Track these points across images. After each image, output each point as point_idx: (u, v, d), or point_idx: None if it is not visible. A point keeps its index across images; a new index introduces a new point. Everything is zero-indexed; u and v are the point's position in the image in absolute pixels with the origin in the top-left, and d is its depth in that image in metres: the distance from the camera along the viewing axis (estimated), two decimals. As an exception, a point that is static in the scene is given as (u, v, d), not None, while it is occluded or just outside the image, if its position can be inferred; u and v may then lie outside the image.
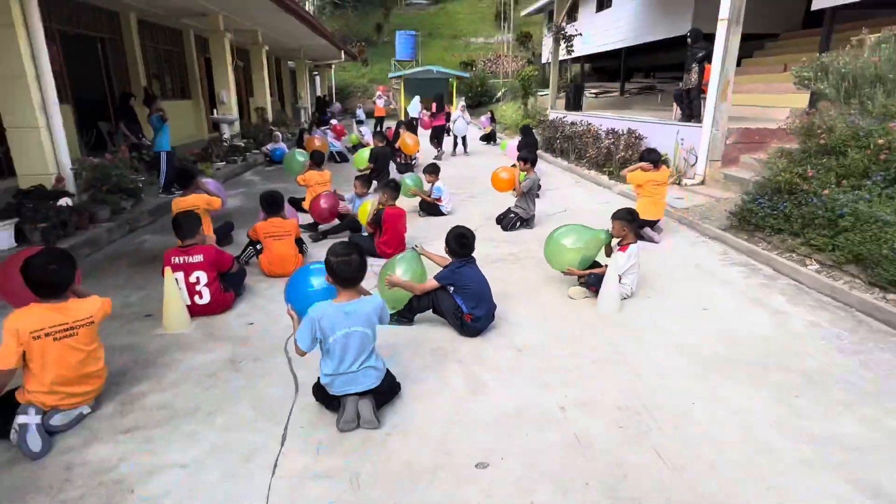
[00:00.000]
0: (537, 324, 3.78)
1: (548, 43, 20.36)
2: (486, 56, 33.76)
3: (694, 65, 8.57)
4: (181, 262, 3.78)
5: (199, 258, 3.82)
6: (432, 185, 6.90)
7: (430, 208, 6.85)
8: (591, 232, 4.21)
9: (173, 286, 3.64)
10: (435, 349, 3.39)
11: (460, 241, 3.50)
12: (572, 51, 15.04)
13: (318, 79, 28.57)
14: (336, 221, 6.00)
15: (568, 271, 4.16)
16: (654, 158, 6.02)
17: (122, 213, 6.52)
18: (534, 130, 16.58)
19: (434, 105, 13.17)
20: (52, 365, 2.46)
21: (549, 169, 11.19)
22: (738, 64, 8.20)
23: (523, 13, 27.09)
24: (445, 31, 38.43)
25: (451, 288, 3.49)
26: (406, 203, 6.58)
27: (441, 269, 3.66)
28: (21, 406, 2.45)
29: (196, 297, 3.82)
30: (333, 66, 30.60)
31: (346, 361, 2.50)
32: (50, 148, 6.07)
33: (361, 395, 2.54)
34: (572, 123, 12.40)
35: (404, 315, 3.69)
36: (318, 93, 27.98)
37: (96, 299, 2.66)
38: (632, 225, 4.14)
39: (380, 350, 2.75)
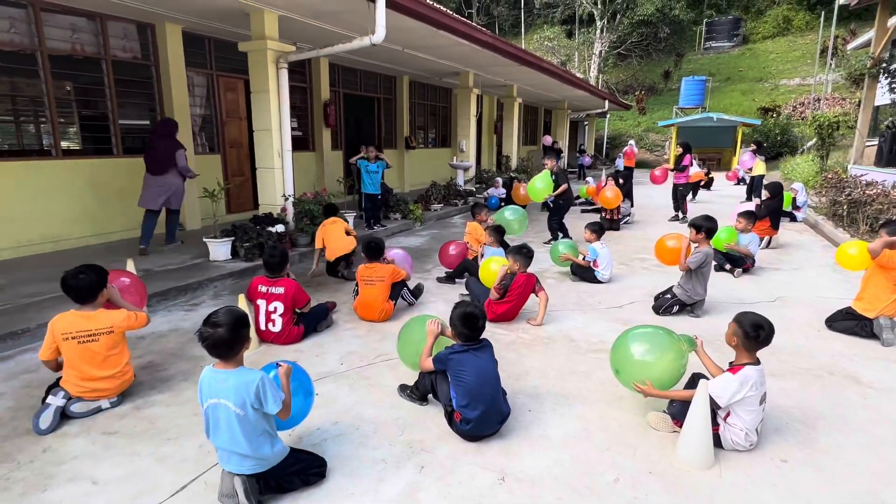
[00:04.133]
0: (563, 448, 2.79)
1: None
2: (797, 100, 28.17)
3: None
4: (265, 291, 4.19)
5: (280, 290, 4.17)
6: (590, 244, 5.99)
7: (583, 272, 5.94)
8: (672, 338, 2.93)
9: (246, 312, 4.03)
10: (409, 441, 2.84)
11: (469, 323, 2.87)
12: (898, 87, 11.16)
13: (587, 128, 28.63)
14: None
15: (640, 389, 2.95)
16: None
17: (322, 241, 7.71)
18: (811, 191, 12.94)
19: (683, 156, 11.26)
20: (76, 362, 3.01)
21: (810, 242, 8.45)
22: None
23: (850, 46, 21.62)
24: (750, 73, 33.67)
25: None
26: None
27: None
28: (56, 388, 3.05)
29: (270, 325, 4.16)
30: (608, 116, 30.25)
31: (217, 437, 2.26)
32: (281, 185, 7.64)
33: (238, 473, 2.28)
34: (869, 184, 9.13)
35: (413, 391, 3.24)
36: (584, 142, 28.00)
37: (122, 312, 3.14)
38: (748, 342, 2.70)
39: (278, 436, 2.38)
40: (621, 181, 10.10)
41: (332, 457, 2.68)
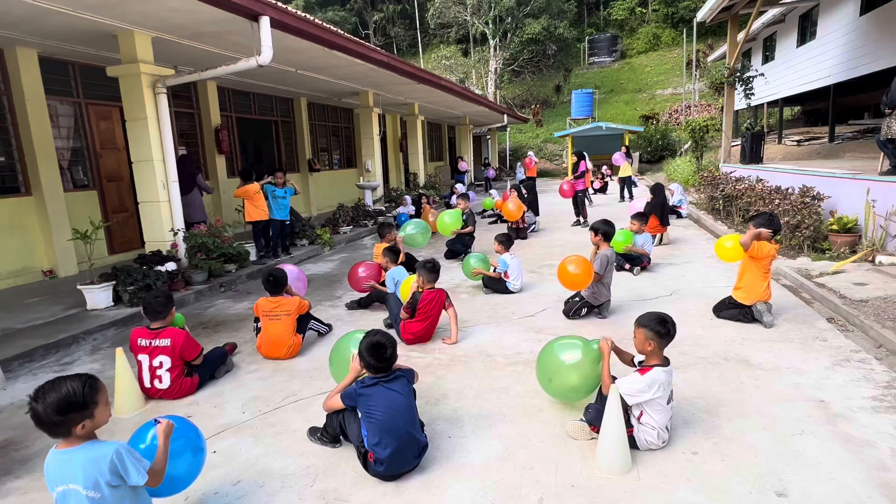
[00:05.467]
0: (486, 473, 2.69)
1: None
2: (672, 108, 31.10)
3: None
4: (147, 344, 3.71)
5: (166, 342, 3.70)
6: (500, 255, 6.04)
7: (495, 284, 5.97)
8: (586, 344, 2.97)
9: (124, 369, 3.56)
10: (321, 492, 2.60)
11: (376, 353, 2.69)
12: (752, 94, 12.57)
13: (489, 142, 29.56)
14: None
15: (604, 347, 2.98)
16: (777, 227, 4.47)
17: (221, 277, 7.14)
18: (692, 189, 14.28)
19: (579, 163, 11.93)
20: None
21: (695, 236, 9.18)
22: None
23: (710, 58, 24.29)
24: (629, 85, 36.73)
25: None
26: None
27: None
28: None
29: (156, 382, 3.69)
30: (508, 130, 31.48)
31: None
32: (168, 219, 6.99)
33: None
34: (738, 179, 10.14)
35: (324, 434, 2.99)
36: (488, 156, 28.87)
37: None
38: (661, 339, 2.78)
39: None
40: (524, 192, 10.41)
41: (234, 524, 2.38)
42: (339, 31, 8.32)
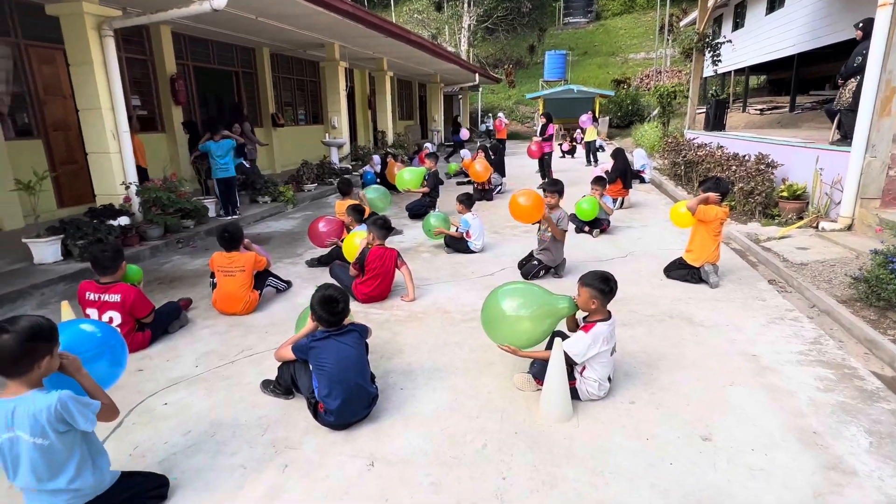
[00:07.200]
0: (435, 422, 2.80)
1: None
2: (644, 73, 31.10)
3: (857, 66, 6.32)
4: (96, 298, 3.63)
5: (115, 298, 3.61)
6: (462, 215, 6.06)
7: (457, 243, 6.02)
8: (548, 297, 3.02)
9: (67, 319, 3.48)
10: (272, 441, 2.66)
11: (327, 307, 2.71)
12: (719, 61, 12.68)
13: (461, 101, 29.09)
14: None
15: (505, 348, 3.04)
16: (724, 190, 4.63)
17: (178, 233, 6.95)
18: (654, 155, 14.50)
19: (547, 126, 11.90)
20: None
21: (656, 200, 9.40)
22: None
23: (683, 23, 24.22)
24: (603, 48, 36.44)
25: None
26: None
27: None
28: None
29: (105, 336, 3.64)
30: (481, 90, 30.99)
31: (19, 476, 1.89)
32: (120, 171, 6.71)
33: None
34: (700, 146, 10.34)
35: (277, 386, 3.03)
36: (460, 115, 28.45)
37: None
38: (605, 297, 2.89)
39: (99, 459, 2.04)
40: (491, 154, 10.38)
41: (183, 472, 2.42)
42: (300, -24, 7.91)
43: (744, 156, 8.12)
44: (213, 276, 4.49)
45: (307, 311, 3.31)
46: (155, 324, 3.85)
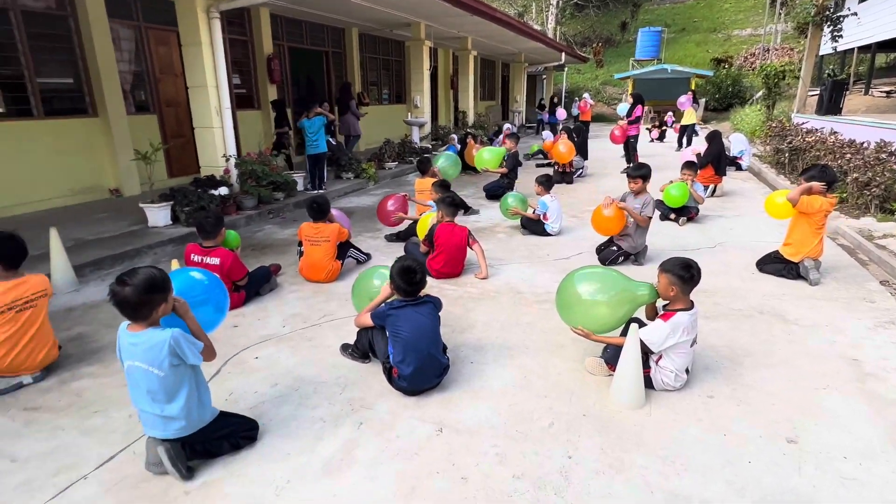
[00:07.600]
0: (503, 397, 2.84)
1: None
2: (749, 51, 28.57)
3: None
4: (199, 260, 4.00)
5: (216, 261, 3.96)
6: (540, 197, 5.98)
7: (533, 225, 5.96)
8: (628, 283, 2.93)
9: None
10: (349, 399, 2.83)
11: (406, 277, 2.82)
12: (840, 36, 11.41)
13: (545, 82, 28.35)
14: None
15: (578, 331, 3.00)
16: (830, 179, 4.21)
17: (270, 204, 7.44)
18: (755, 141, 13.31)
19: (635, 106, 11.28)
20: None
21: (753, 189, 8.71)
22: None
23: (799, -6, 21.85)
24: (704, 24, 33.82)
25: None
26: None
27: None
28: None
29: (207, 293, 4.01)
30: (566, 69, 29.98)
31: (139, 399, 2.19)
32: (221, 145, 7.26)
33: (162, 440, 2.21)
34: (809, 132, 9.42)
35: (355, 350, 3.21)
36: (544, 97, 27.76)
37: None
38: (685, 285, 2.76)
39: (206, 393, 2.33)
40: (575, 136, 10.08)
41: (270, 419, 2.65)
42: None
43: (861, 143, 7.31)
44: (300, 244, 4.78)
45: (361, 278, 3.45)
46: (248, 286, 4.20)
